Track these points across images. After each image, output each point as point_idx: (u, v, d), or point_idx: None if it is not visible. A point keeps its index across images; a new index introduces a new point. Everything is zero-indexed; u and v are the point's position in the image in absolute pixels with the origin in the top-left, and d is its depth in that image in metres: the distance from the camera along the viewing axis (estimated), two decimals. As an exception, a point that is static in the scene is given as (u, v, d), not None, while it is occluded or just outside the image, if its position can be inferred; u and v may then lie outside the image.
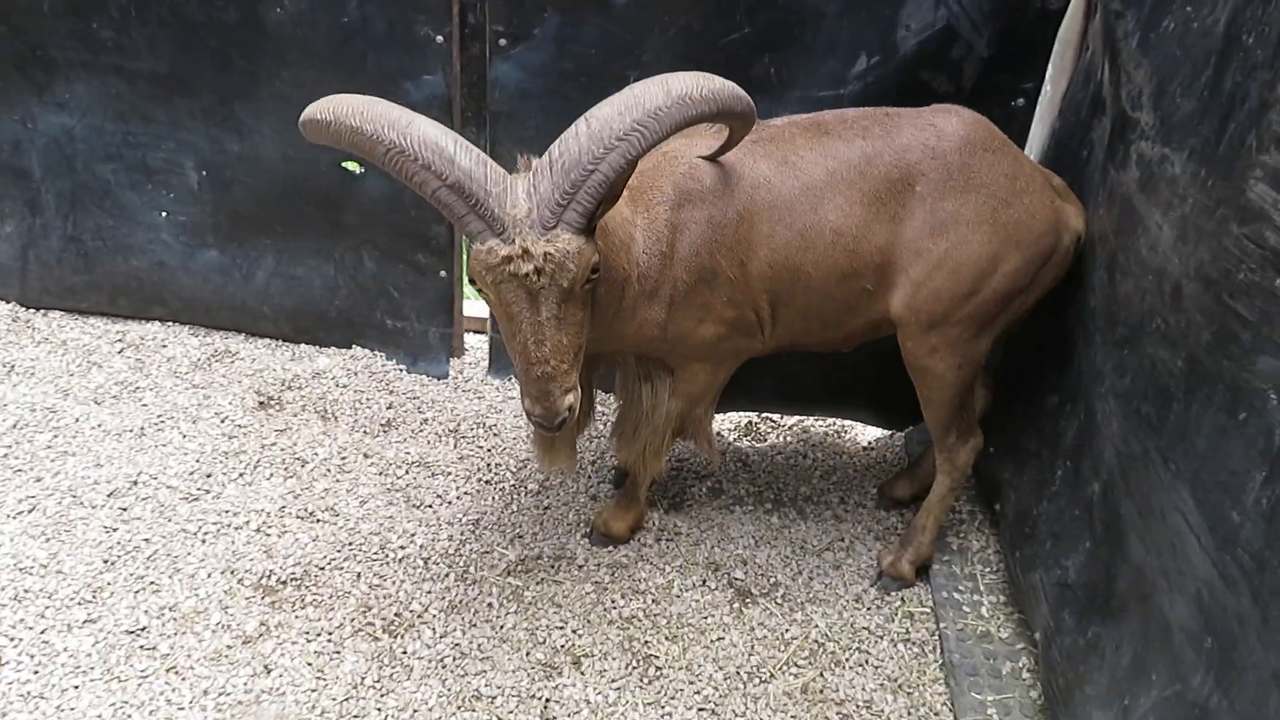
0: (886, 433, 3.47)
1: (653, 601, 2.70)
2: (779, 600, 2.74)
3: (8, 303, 3.75)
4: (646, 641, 2.57)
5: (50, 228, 3.60)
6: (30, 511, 2.82)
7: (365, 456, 3.14)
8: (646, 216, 2.29)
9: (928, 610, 2.75)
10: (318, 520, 2.87)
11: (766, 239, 2.35)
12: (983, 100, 2.80)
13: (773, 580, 2.80)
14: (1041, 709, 2.41)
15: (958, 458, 2.71)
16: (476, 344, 3.74)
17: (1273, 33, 1.61)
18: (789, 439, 3.42)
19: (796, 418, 3.51)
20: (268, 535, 2.80)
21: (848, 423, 3.51)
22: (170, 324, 3.72)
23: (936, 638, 2.66)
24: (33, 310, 3.75)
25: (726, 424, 3.48)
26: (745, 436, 3.43)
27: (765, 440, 3.42)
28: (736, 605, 2.71)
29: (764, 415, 3.51)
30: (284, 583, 2.65)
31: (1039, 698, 2.44)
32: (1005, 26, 2.68)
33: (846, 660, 2.57)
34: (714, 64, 2.78)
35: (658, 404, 2.61)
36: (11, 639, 2.42)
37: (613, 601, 2.68)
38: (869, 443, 3.44)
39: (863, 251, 2.37)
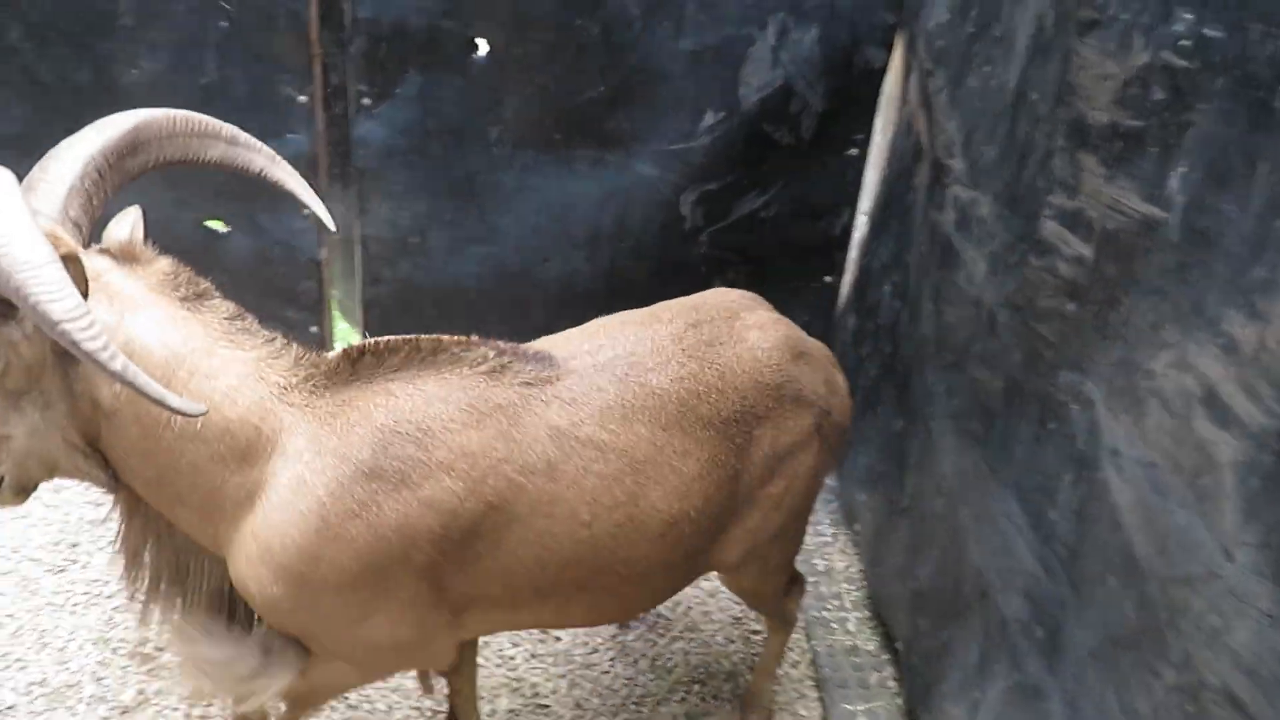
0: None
1: (538, 641, 2.77)
2: (660, 631, 2.85)
3: None
4: (534, 682, 2.63)
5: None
6: (-124, 596, 2.69)
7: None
8: (312, 469, 1.62)
9: (799, 630, 2.90)
10: (192, 584, 2.83)
11: (539, 537, 1.72)
12: (821, 150, 3.06)
13: (653, 612, 2.91)
14: (905, 713, 2.58)
15: (789, 613, 2.49)
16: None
17: (1050, 90, 1.86)
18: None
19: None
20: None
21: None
22: (24, 393, 3.59)
23: (809, 655, 2.82)
24: None
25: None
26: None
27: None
28: (618, 638, 2.81)
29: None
30: (161, 649, 2.60)
31: (903, 703, 2.62)
32: (836, 83, 2.94)
33: (725, 686, 2.69)
34: (572, 120, 2.96)
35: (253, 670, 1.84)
36: None
37: (499, 646, 2.74)
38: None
39: (702, 530, 1.88)
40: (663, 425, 1.81)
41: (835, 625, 2.90)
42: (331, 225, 2.09)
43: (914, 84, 2.78)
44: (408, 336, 1.74)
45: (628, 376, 1.82)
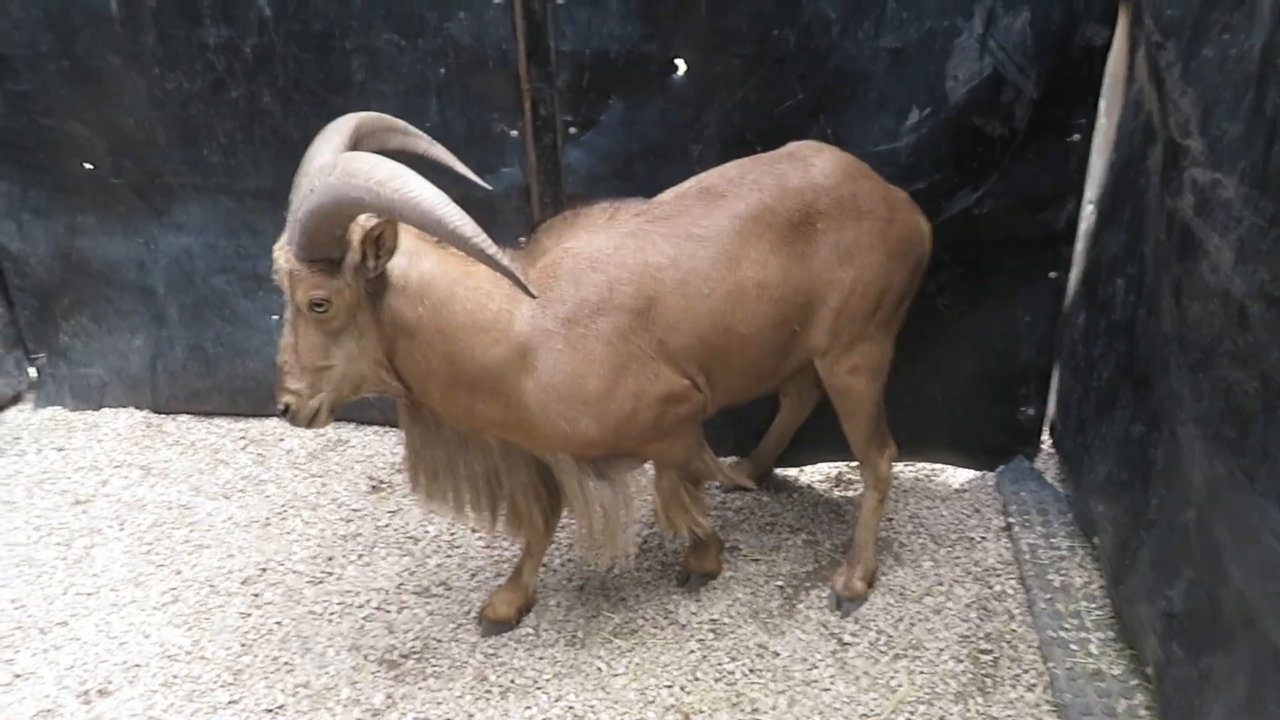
0: (978, 474, 3.47)
1: (756, 657, 2.75)
2: (882, 649, 2.76)
3: (141, 410, 4.07)
4: (754, 698, 2.62)
5: (175, 338, 3.91)
6: (173, 602, 3.05)
7: (472, 531, 3.30)
8: (545, 322, 2.32)
9: (1034, 650, 2.73)
10: (433, 595, 3.03)
11: (685, 314, 2.41)
12: (1038, 138, 2.87)
13: (876, 628, 2.82)
14: (1160, 744, 2.37)
15: (879, 470, 2.90)
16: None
17: (1303, 57, 1.67)
18: (881, 485, 3.45)
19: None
20: (388, 612, 2.97)
21: (937, 466, 3.53)
22: (286, 419, 3.98)
23: (1046, 678, 2.64)
24: (163, 415, 4.06)
25: (816, 475, 3.54)
26: (835, 488, 3.48)
27: (855, 490, 3.46)
28: (839, 655, 2.75)
29: (852, 465, 3.55)
30: (406, 656, 2.80)
31: (1157, 733, 2.40)
32: (1051, 66, 2.75)
33: (954, 708, 2.57)
34: (771, 131, 2.95)
35: (623, 500, 2.63)
36: (163, 723, 2.63)
37: (718, 660, 2.75)
38: (960, 485, 3.44)
39: (787, 296, 2.50)
40: (740, 218, 2.46)
41: (1075, 646, 2.70)
42: (485, 185, 2.65)
43: (1142, 60, 2.56)
44: (555, 216, 2.52)
45: (703, 194, 2.52)
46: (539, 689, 2.68)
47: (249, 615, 2.98)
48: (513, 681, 2.70)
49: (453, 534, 3.29)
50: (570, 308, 2.34)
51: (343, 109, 3.30)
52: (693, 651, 2.78)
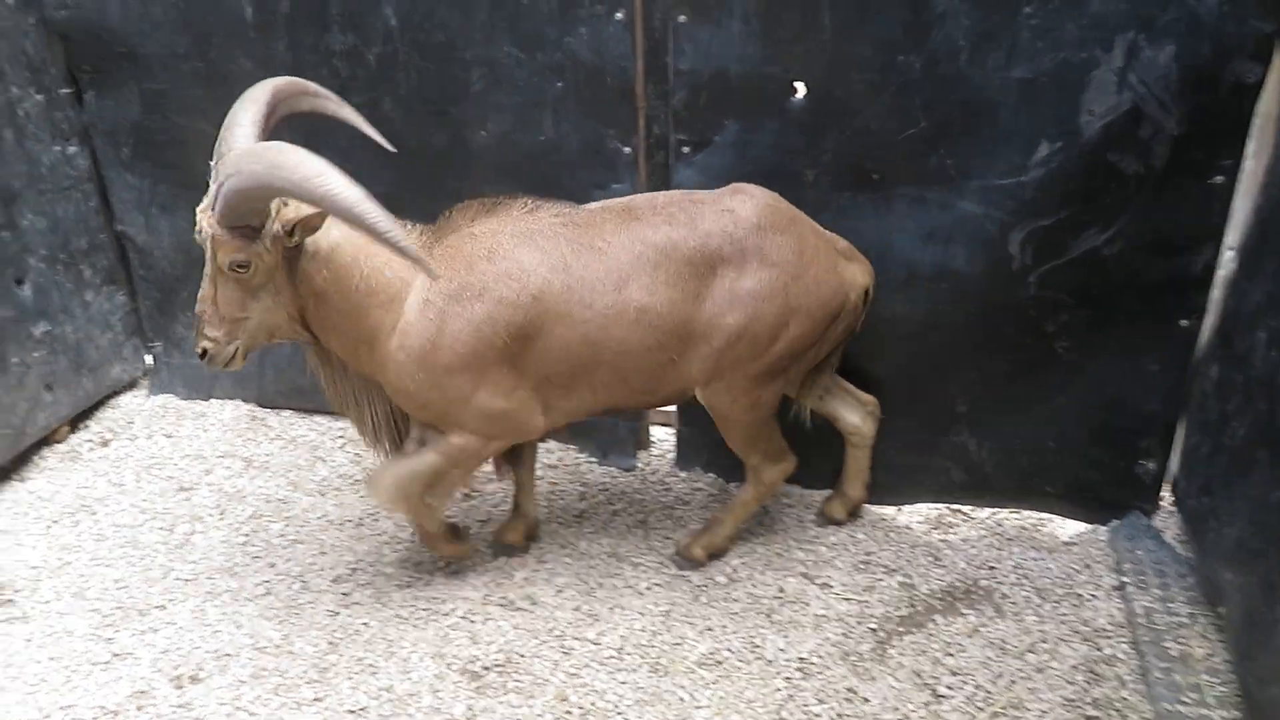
0: (1089, 527, 3.30)
1: (845, 701, 2.65)
2: (979, 704, 2.63)
3: (247, 403, 4.18)
4: (839, 740, 2.53)
5: (284, 336, 4.01)
6: (266, 595, 3.11)
7: (561, 547, 3.28)
8: (429, 294, 2.58)
9: None
10: (518, 609, 3.01)
11: (562, 318, 2.60)
12: (1177, 178, 2.73)
13: (974, 683, 2.69)
14: (1284, 835, 2.19)
15: (764, 475, 3.05)
16: (663, 437, 3.84)
17: None
18: (981, 532, 3.31)
19: (989, 510, 3.40)
20: (472, 622, 2.96)
21: (1045, 515, 3.37)
22: (384, 421, 4.03)
23: (1157, 750, 2.48)
24: (267, 409, 4.16)
25: (915, 517, 3.41)
26: (934, 530, 3.35)
27: (955, 533, 3.33)
28: (933, 707, 2.62)
29: (953, 507, 3.41)
30: (488, 669, 2.79)
31: (1281, 822, 2.22)
32: (1196, 104, 2.61)
33: (1055, 770, 2.43)
34: (890, 160, 2.87)
35: (425, 467, 2.81)
36: (251, 714, 2.66)
37: (804, 701, 2.66)
38: (1070, 537, 3.28)
39: (666, 327, 2.64)
40: (643, 243, 2.62)
41: (1192, 721, 2.53)
42: (391, 148, 2.81)
43: (1299, 100, 2.40)
44: (476, 199, 2.73)
45: (623, 212, 2.69)
46: (619, 714, 2.63)
47: (337, 614, 3.01)
48: (593, 704, 2.66)
49: (540, 548, 3.28)
50: (456, 286, 2.58)
51: (459, 119, 3.38)
52: (779, 690, 2.69)
